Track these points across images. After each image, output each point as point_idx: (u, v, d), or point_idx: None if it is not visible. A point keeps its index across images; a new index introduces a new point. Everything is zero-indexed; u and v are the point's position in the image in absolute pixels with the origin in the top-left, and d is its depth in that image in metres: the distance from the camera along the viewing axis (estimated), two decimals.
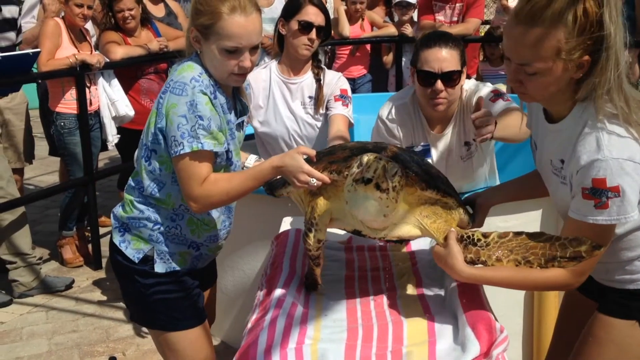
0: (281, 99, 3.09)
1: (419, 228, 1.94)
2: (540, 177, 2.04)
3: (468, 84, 2.72)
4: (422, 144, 2.71)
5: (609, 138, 1.64)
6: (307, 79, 3.12)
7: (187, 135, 1.96)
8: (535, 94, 1.74)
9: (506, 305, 2.78)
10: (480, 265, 1.85)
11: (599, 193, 1.64)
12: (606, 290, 1.93)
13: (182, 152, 1.97)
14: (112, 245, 2.24)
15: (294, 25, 2.99)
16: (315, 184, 1.92)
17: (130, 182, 2.22)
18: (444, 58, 2.52)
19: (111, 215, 2.28)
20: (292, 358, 1.77)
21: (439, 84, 2.52)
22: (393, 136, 2.68)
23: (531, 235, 1.82)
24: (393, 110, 2.69)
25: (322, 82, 3.09)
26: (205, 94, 1.99)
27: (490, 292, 2.06)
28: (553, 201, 1.97)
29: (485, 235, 1.86)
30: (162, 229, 2.17)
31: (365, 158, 1.74)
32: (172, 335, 2.23)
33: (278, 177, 2.08)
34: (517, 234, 1.84)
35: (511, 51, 1.70)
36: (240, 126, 2.22)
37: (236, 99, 2.21)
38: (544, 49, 1.63)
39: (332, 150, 2.11)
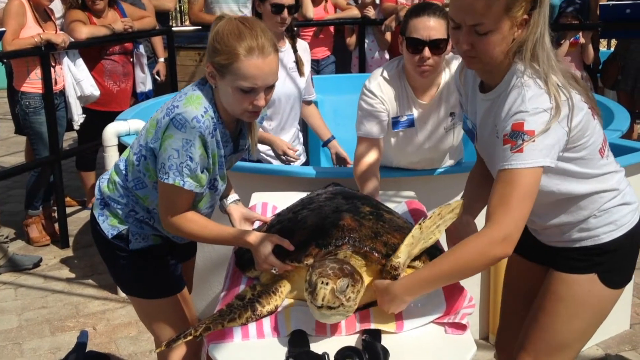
0: None
1: None
2: (485, 169, 2.16)
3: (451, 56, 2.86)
4: (406, 114, 2.83)
5: (531, 92, 1.79)
6: (287, 49, 3.51)
7: (174, 168, 2.03)
8: (484, 55, 1.86)
9: None
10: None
11: (516, 135, 1.77)
12: (560, 251, 2.06)
13: (165, 181, 2.05)
14: (92, 214, 2.32)
15: (268, 7, 3.33)
16: (276, 272, 2.00)
17: (119, 163, 2.27)
18: (432, 27, 2.64)
19: (96, 185, 2.35)
20: (267, 329, 1.87)
21: (427, 51, 2.64)
22: (379, 106, 2.77)
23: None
24: (380, 82, 2.79)
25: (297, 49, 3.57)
26: (202, 136, 2.03)
27: None
28: (494, 170, 2.02)
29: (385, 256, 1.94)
30: (137, 216, 2.25)
31: (313, 280, 1.76)
32: (150, 303, 2.32)
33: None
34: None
35: (464, 13, 1.82)
36: (236, 157, 2.28)
37: (241, 133, 2.25)
38: (495, 6, 1.78)
39: (293, 226, 2.09)
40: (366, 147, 2.77)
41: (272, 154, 3.53)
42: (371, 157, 2.75)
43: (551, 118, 1.77)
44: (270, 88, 2.07)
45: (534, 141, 1.75)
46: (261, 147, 3.49)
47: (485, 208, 1.87)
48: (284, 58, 3.46)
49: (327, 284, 1.74)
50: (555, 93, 1.79)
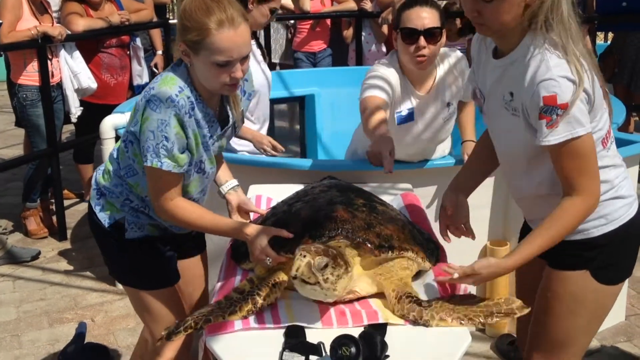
0: (253, 60, 3.29)
1: (376, 285, 1.98)
2: (486, 147, 2.16)
3: (444, 49, 2.88)
4: (407, 107, 2.85)
5: (554, 60, 1.79)
6: (254, 43, 3.49)
7: (151, 150, 2.03)
8: (493, 22, 1.84)
9: None
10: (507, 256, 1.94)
11: (550, 110, 1.78)
12: (557, 244, 2.04)
13: (145, 163, 2.06)
14: (89, 205, 2.33)
15: (266, 10, 3.25)
16: (270, 264, 2.02)
17: (113, 153, 2.28)
18: (426, 16, 2.69)
19: (93, 176, 2.36)
20: (268, 318, 1.88)
21: (422, 40, 2.67)
22: (389, 80, 2.76)
23: (463, 298, 1.92)
24: (387, 69, 2.80)
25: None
26: (177, 116, 2.02)
27: None
28: (498, 143, 2.07)
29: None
30: (132, 204, 2.26)
31: (295, 253, 1.79)
32: (145, 294, 2.33)
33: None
34: (451, 299, 1.92)
35: None
36: (224, 135, 2.26)
37: (224, 108, 2.24)
38: None
39: (287, 219, 2.13)
40: (375, 105, 2.67)
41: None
42: (382, 112, 2.66)
43: (577, 89, 1.77)
44: (245, 58, 2.05)
45: (568, 114, 1.77)
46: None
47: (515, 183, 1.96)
48: (254, 52, 3.44)
49: (304, 256, 1.77)
50: (576, 63, 1.78)
